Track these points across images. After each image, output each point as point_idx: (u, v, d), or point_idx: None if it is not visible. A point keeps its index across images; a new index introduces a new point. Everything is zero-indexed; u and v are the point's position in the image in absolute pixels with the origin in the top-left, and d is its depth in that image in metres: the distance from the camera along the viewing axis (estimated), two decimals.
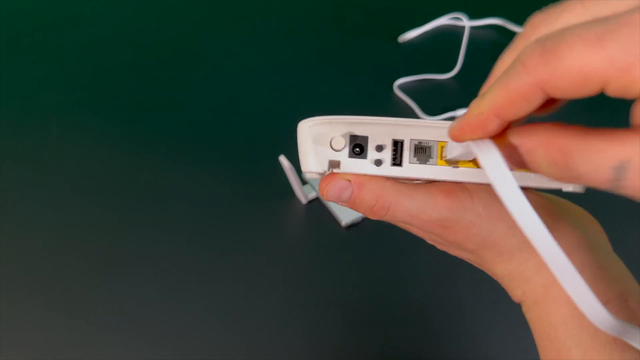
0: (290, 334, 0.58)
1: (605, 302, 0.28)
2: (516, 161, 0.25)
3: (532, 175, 0.30)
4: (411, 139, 0.31)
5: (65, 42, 0.90)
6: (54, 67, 0.87)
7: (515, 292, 0.35)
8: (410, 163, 0.31)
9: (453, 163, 0.30)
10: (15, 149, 0.75)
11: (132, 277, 0.63)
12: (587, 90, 0.21)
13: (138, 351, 0.57)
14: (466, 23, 0.88)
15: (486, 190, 0.31)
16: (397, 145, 0.31)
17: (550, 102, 0.25)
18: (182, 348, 0.57)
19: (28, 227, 0.67)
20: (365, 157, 0.31)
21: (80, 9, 0.96)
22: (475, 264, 0.36)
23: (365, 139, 0.31)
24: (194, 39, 0.91)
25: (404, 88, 0.83)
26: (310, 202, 0.70)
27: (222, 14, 0.96)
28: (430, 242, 0.36)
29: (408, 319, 0.53)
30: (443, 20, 0.93)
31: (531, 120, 0.25)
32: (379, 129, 0.31)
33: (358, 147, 0.31)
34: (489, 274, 0.35)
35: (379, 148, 0.31)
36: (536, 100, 0.23)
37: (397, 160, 0.31)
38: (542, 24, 0.25)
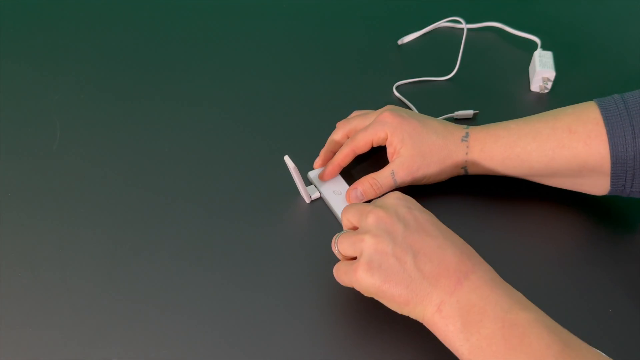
0: (291, 333, 0.59)
1: None
2: None
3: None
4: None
5: (68, 42, 0.91)
6: (57, 67, 0.87)
7: None
8: None
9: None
10: (19, 149, 0.76)
11: (132, 276, 0.63)
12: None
13: (139, 351, 0.58)
14: (464, 26, 0.89)
15: None
16: None
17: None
18: (182, 347, 0.58)
19: (32, 226, 0.68)
20: None
21: (83, 8, 0.97)
22: None
23: None
24: (197, 39, 0.92)
25: (403, 90, 0.85)
26: (314, 201, 0.71)
27: (222, 16, 0.97)
28: None
29: (408, 318, 0.54)
30: (442, 24, 0.95)
31: None
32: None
33: None
34: None
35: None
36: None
37: None
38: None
